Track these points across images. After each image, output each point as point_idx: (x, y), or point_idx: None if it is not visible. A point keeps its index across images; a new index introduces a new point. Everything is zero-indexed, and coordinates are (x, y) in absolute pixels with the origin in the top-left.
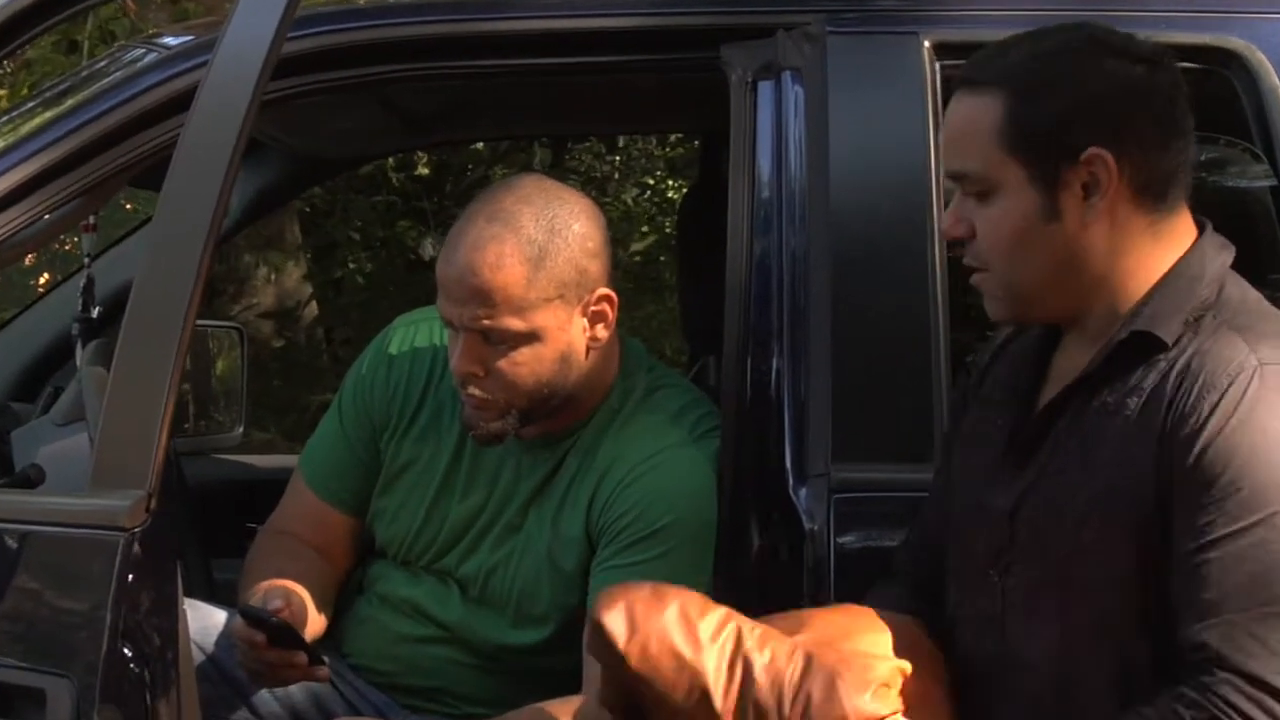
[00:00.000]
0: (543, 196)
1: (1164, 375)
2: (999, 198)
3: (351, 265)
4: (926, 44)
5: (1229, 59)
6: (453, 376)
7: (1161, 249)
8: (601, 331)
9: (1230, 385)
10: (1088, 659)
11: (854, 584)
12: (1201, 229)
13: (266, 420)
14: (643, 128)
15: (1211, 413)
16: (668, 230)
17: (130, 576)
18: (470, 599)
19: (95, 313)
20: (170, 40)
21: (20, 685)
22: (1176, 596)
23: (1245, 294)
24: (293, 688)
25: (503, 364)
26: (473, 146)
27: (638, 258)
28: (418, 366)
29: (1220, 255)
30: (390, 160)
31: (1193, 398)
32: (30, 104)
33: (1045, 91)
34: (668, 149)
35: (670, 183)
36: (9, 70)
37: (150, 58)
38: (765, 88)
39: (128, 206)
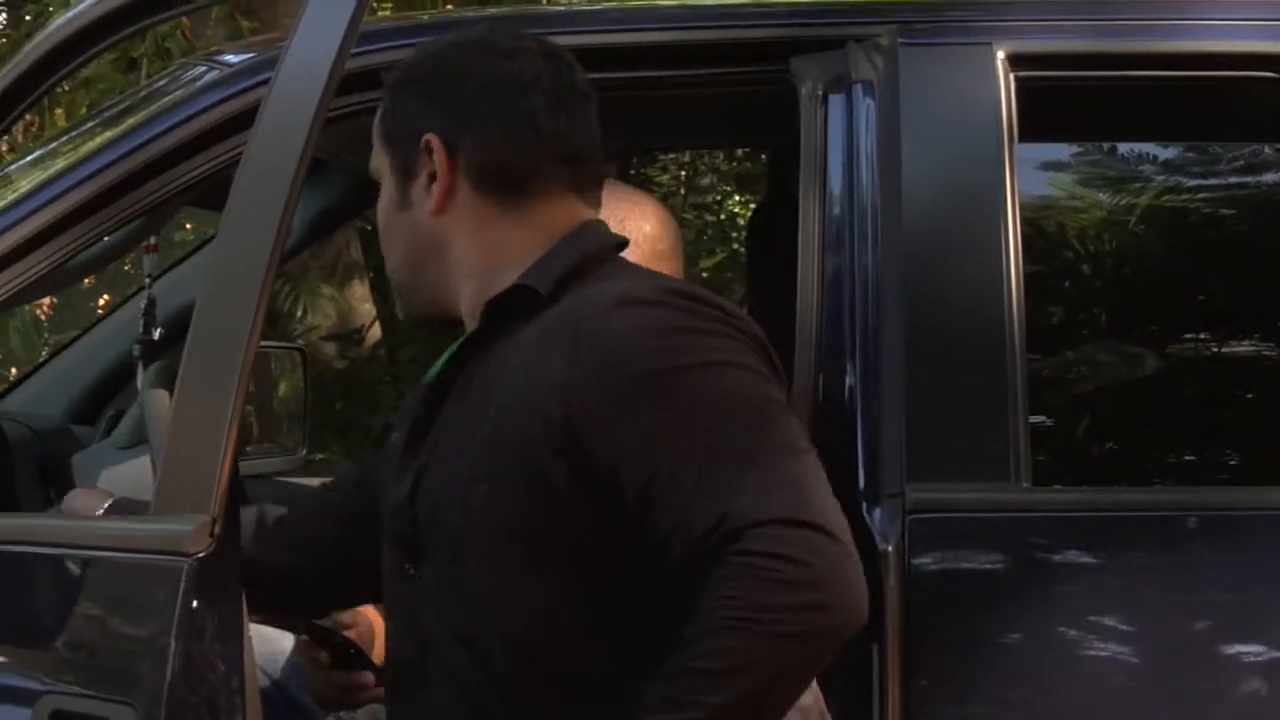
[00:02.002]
0: (613, 198)
1: (540, 323)
2: (381, 189)
3: None
4: (1000, 55)
5: None
6: None
7: (529, 234)
8: None
9: (598, 308)
10: (494, 629)
11: (927, 605)
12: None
13: (329, 441)
14: (710, 143)
15: (584, 337)
16: (736, 248)
17: (194, 603)
18: None
19: (157, 334)
20: (231, 58)
21: (83, 713)
22: (658, 521)
23: (628, 264)
24: (359, 711)
25: None
26: None
27: (705, 274)
28: None
29: (601, 239)
30: None
31: (565, 331)
32: (90, 123)
33: (408, 85)
34: (734, 164)
35: (738, 198)
36: (66, 89)
37: (211, 75)
38: (836, 101)
39: (187, 226)
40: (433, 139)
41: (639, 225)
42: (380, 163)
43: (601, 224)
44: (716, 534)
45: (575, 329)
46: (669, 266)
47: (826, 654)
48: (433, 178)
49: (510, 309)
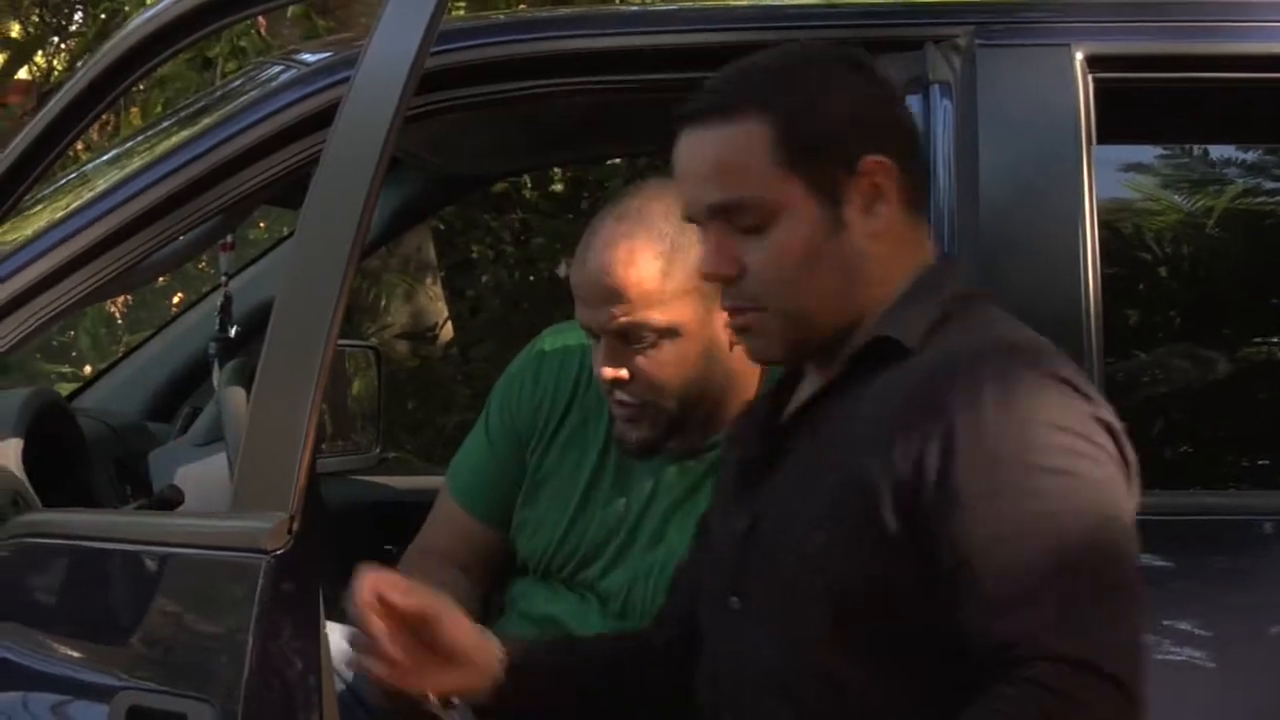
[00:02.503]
0: (671, 193)
1: (903, 376)
2: (782, 220)
3: (484, 280)
4: (1079, 56)
5: None
6: (599, 385)
7: (914, 258)
8: None
9: (968, 373)
10: (803, 674)
11: None
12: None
13: (402, 440)
14: None
15: (951, 403)
16: None
17: (272, 600)
18: (611, 613)
19: (233, 332)
20: (308, 57)
21: (160, 709)
22: (962, 606)
23: (988, 306)
24: None
25: (645, 363)
26: (609, 162)
27: None
28: (564, 376)
29: (961, 270)
30: (525, 177)
31: (930, 392)
32: (166, 122)
33: (810, 104)
34: None
35: None
36: (142, 88)
37: (288, 74)
38: (913, 102)
39: (261, 225)
40: (883, 160)
41: None
42: (780, 192)
43: (951, 259)
44: (1016, 650)
45: (940, 394)
46: None
47: None
48: (869, 198)
49: (874, 355)
